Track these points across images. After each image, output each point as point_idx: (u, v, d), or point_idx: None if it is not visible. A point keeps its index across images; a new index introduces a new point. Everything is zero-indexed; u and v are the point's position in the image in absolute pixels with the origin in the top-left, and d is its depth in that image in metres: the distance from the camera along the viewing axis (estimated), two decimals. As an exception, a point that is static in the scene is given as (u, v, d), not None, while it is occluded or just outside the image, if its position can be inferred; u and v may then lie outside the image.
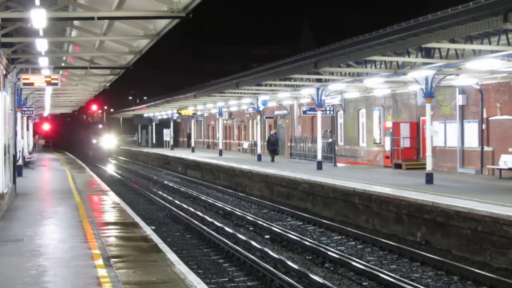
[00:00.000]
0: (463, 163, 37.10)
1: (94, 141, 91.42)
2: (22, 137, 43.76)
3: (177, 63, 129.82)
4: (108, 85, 45.01)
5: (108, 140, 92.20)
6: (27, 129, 56.65)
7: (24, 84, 28.63)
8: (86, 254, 15.43)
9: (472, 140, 36.48)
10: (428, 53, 27.93)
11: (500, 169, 33.04)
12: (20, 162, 37.20)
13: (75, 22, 23.31)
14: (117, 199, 28.25)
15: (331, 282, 17.22)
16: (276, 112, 63.74)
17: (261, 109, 54.85)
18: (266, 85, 42.87)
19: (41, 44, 22.80)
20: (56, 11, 19.11)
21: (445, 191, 26.19)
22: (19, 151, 36.71)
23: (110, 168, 66.92)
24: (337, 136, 50.90)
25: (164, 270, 13.77)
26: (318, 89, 40.68)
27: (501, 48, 24.00)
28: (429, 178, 30.13)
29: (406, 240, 23.37)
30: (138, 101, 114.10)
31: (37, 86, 29.87)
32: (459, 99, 36.85)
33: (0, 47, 21.73)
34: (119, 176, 56.37)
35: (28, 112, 47.30)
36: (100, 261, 14.48)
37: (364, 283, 17.66)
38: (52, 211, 23.63)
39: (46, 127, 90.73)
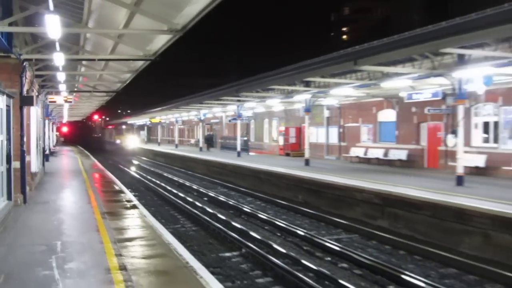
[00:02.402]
0: (328, 152, 37.65)
1: (118, 141, 79.97)
2: (49, 136, 42.51)
3: (149, 86, 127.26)
4: (105, 102, 44.31)
5: (132, 140, 76.26)
6: (52, 130, 54.91)
7: (50, 101, 28.25)
8: (90, 210, 15.12)
9: (334, 138, 37.07)
10: (307, 84, 28.27)
11: (351, 157, 33.66)
12: (47, 152, 36.23)
13: (83, 62, 22.79)
14: (110, 176, 27.78)
15: (246, 227, 17.30)
16: (212, 120, 63.42)
17: (202, 118, 54.72)
18: (206, 103, 42.70)
19: (61, 76, 22.28)
20: (70, 55, 18.67)
21: (317, 170, 26.52)
22: (47, 145, 35.78)
23: (104, 157, 65.57)
24: (250, 135, 51.15)
25: (140, 221, 13.61)
26: (238, 106, 40.71)
27: (352, 82, 24.55)
28: (307, 162, 30.48)
29: (292, 201, 23.58)
30: (124, 113, 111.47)
31: (58, 103, 29.22)
32: (326, 113, 37.46)
33: (34, 77, 21.09)
34: (111, 161, 55.42)
35: (53, 120, 46.01)
36: (98, 215, 14.24)
37: (266, 227, 17.78)
38: (68, 184, 23.11)
39: (65, 129, 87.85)
